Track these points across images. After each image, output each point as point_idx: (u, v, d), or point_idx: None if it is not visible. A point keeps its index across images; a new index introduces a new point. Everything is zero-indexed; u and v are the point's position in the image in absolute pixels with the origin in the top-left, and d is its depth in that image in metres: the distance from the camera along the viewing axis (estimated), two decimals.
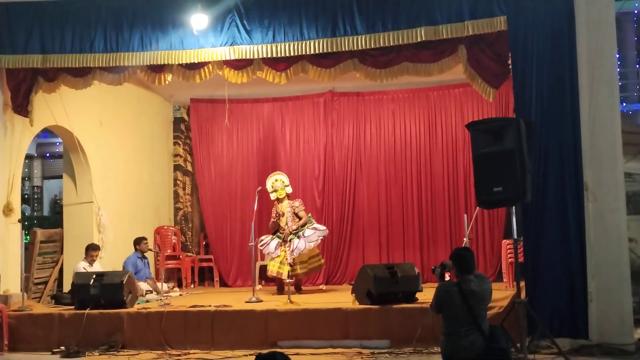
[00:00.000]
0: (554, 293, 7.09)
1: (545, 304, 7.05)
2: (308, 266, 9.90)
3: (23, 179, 9.81)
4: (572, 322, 7.02)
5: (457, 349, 5.30)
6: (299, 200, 10.28)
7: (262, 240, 9.98)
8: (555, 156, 7.16)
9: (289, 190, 10.20)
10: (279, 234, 9.94)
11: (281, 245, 9.81)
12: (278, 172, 10.59)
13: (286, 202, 10.07)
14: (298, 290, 9.86)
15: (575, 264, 7.06)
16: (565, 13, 7.23)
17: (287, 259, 9.66)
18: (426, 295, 7.89)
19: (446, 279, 6.00)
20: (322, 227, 10.03)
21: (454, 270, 5.57)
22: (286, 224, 9.92)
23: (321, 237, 9.95)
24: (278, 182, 10.15)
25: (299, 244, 9.67)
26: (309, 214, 10.21)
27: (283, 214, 10.00)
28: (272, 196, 10.18)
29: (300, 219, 9.97)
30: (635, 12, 15.22)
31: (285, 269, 9.61)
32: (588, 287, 7.01)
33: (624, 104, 13.56)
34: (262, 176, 11.10)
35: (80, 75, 8.81)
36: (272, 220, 10.12)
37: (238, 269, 11.78)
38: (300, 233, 9.80)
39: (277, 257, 9.78)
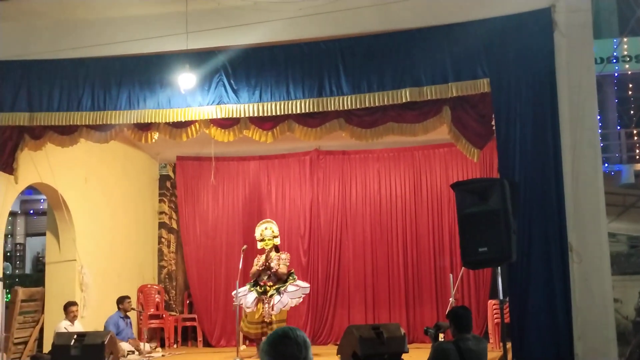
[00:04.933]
0: (541, 354, 7.03)
1: None
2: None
3: (6, 236, 9.68)
4: None
5: None
6: (287, 254, 9.89)
7: (239, 292, 9.43)
8: (539, 216, 7.19)
9: (277, 241, 9.85)
10: (258, 287, 9.51)
11: (259, 302, 9.40)
12: (268, 220, 10.25)
13: (272, 254, 9.71)
14: None
15: (562, 324, 7.02)
16: (547, 75, 7.36)
17: (263, 316, 9.32)
18: (412, 356, 7.80)
19: (440, 340, 5.92)
20: (305, 284, 9.77)
21: (450, 329, 5.50)
22: (269, 277, 9.54)
23: (303, 295, 9.71)
24: (267, 231, 9.79)
25: (282, 299, 9.33)
26: (292, 270, 9.90)
27: (267, 266, 9.58)
28: (259, 245, 9.82)
29: (280, 273, 9.51)
30: (616, 74, 15.55)
31: (254, 329, 9.31)
32: (574, 348, 6.96)
33: (606, 165, 13.73)
34: (248, 234, 11.05)
35: (67, 133, 8.83)
36: (256, 268, 9.63)
37: (222, 328, 11.63)
38: (282, 289, 9.44)
39: (250, 312, 9.41)
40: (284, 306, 9.35)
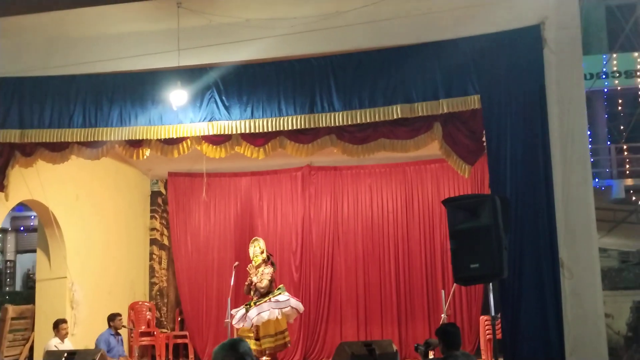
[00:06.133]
0: None
1: None
2: (275, 342, 9.38)
3: None
4: None
5: None
6: (270, 267, 9.71)
7: (233, 315, 9.48)
8: (531, 232, 7.21)
9: (263, 256, 9.77)
10: (248, 303, 9.55)
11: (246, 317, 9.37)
12: (256, 238, 10.24)
13: (260, 268, 9.68)
14: None
15: (553, 340, 7.01)
16: (537, 91, 7.39)
17: (252, 331, 9.30)
18: None
19: (430, 357, 5.92)
20: (284, 298, 9.51)
21: (440, 346, 5.50)
22: (254, 292, 9.56)
23: (279, 309, 9.37)
24: (255, 249, 9.83)
25: (250, 313, 9.29)
26: (280, 285, 9.81)
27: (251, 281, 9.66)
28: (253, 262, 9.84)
29: (259, 287, 9.47)
30: (605, 90, 15.65)
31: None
32: None
33: (597, 180, 13.78)
34: (240, 250, 11.04)
35: (58, 150, 8.80)
36: (245, 284, 9.75)
37: (214, 345, 11.39)
38: (258, 303, 9.37)
39: (240, 328, 9.39)
40: (252, 320, 9.25)
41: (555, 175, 7.21)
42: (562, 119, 7.31)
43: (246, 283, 9.74)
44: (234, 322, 9.45)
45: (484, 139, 7.76)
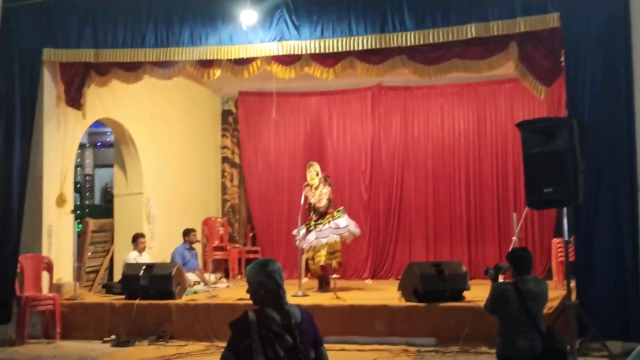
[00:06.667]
0: (606, 295, 6.96)
1: (597, 306, 6.92)
2: (327, 260, 9.27)
3: (75, 167, 9.99)
4: (623, 325, 6.87)
5: (516, 349, 5.21)
6: (328, 187, 9.57)
7: (294, 235, 9.58)
8: (608, 156, 7.00)
9: (320, 177, 9.62)
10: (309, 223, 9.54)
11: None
12: (311, 163, 9.98)
13: (319, 190, 9.58)
14: (323, 284, 9.42)
15: (628, 266, 6.91)
16: (620, 9, 7.04)
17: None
18: (473, 293, 7.84)
19: (500, 281, 5.91)
20: (344, 223, 9.34)
21: (510, 270, 5.48)
22: (314, 212, 9.52)
23: (338, 234, 9.30)
24: (312, 173, 9.68)
25: (309, 237, 9.32)
26: (340, 208, 9.66)
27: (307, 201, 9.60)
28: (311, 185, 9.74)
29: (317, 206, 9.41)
30: None
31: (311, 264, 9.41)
32: None
33: None
34: None
35: (132, 70, 8.94)
36: (305, 207, 9.68)
37: (285, 260, 11.73)
38: (320, 226, 9.33)
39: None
40: (310, 243, 9.31)
41: (637, 100, 6.93)
42: None
43: (302, 205, 9.59)
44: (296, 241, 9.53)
45: (562, 59, 7.47)
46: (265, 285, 3.24)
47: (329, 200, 9.57)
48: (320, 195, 9.54)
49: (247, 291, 3.32)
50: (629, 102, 6.96)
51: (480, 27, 7.49)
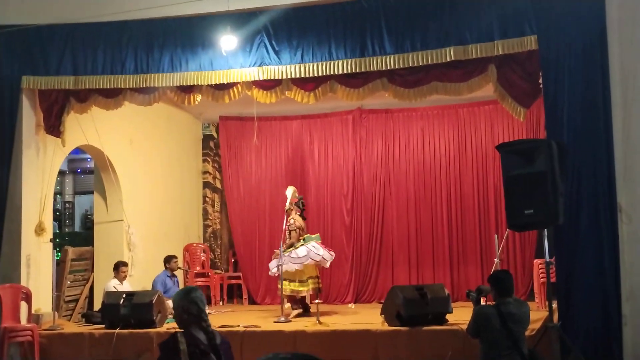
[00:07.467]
0: (588, 316, 6.96)
1: (579, 327, 6.93)
2: (304, 287, 9.26)
3: (55, 194, 9.90)
4: (606, 345, 6.87)
5: None
6: (293, 218, 9.54)
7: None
8: (588, 177, 7.05)
9: (287, 205, 9.62)
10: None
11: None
12: (289, 186, 10.03)
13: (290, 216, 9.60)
14: (306, 311, 9.32)
15: (609, 286, 6.92)
16: (597, 32, 7.12)
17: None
18: (456, 316, 7.81)
19: (482, 304, 5.90)
20: (303, 253, 9.17)
21: (492, 293, 5.48)
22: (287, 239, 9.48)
23: (298, 264, 9.14)
24: (288, 197, 9.68)
25: (270, 264, 9.35)
26: (306, 235, 9.53)
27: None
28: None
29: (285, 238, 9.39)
30: None
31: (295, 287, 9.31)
32: (622, 310, 6.85)
33: None
34: None
35: (112, 96, 8.91)
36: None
37: (267, 286, 11.74)
38: (285, 253, 9.21)
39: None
40: (271, 272, 9.34)
41: (615, 118, 6.97)
42: (622, 60, 7.00)
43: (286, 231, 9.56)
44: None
45: (540, 80, 7.54)
46: (189, 310, 3.79)
47: (297, 231, 9.50)
48: (289, 226, 9.48)
49: (174, 316, 3.87)
50: (607, 122, 7.00)
51: (459, 50, 7.55)
